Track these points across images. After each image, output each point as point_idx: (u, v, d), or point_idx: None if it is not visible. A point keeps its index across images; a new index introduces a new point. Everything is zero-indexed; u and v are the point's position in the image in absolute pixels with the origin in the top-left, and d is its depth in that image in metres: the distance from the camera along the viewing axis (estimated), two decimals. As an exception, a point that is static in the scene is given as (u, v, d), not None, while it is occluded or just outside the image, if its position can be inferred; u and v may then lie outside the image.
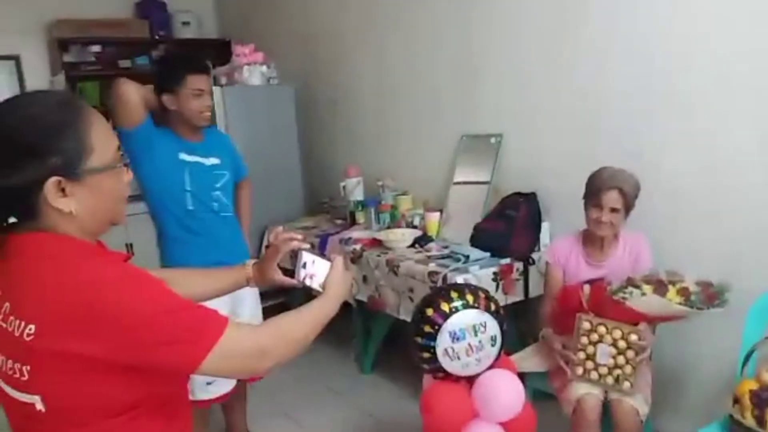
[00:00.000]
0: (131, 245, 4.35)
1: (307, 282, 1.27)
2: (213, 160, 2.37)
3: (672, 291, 2.00)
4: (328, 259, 1.27)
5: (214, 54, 4.83)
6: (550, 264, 2.38)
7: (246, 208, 2.68)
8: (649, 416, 2.09)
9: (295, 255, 1.31)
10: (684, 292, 1.99)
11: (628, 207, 2.18)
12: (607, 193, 2.15)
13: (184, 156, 2.28)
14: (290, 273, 1.33)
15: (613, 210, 2.16)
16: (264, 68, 4.01)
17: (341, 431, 2.86)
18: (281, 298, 3.71)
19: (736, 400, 1.84)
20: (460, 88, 3.32)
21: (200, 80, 2.24)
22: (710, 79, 2.27)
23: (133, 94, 2.13)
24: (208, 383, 2.30)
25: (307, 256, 1.28)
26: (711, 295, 1.97)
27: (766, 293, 2.02)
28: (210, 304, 1.22)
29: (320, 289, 1.23)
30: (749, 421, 1.76)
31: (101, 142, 0.99)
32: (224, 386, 2.38)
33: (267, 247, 1.39)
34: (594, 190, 2.20)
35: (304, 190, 4.23)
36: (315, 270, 1.27)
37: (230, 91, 3.87)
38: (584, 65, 2.70)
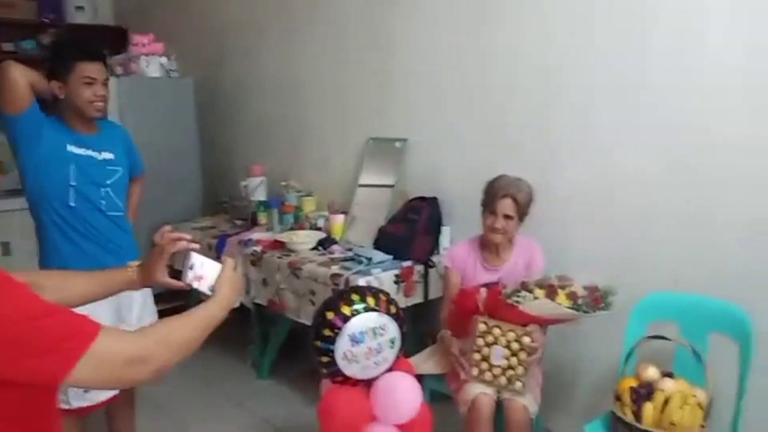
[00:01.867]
0: (7, 244, 4.02)
1: (195, 284, 1.21)
2: (106, 155, 2.22)
3: (561, 295, 2.09)
4: (219, 261, 1.22)
5: (109, 42, 4.58)
6: (448, 268, 2.43)
7: (134, 207, 2.53)
8: (538, 414, 2.18)
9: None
10: (572, 296, 2.09)
11: (522, 214, 2.27)
12: (501, 200, 2.23)
13: (72, 148, 2.13)
14: (180, 275, 1.26)
15: (507, 217, 2.24)
16: (164, 59, 3.84)
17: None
18: (179, 302, 3.54)
19: (618, 397, 1.95)
20: (369, 91, 3.33)
21: (92, 68, 2.11)
22: (611, 96, 2.39)
23: (19, 78, 2.01)
24: (85, 390, 2.14)
25: (195, 258, 1.22)
26: (597, 299, 2.08)
27: (647, 296, 2.16)
28: (93, 308, 1.13)
29: (209, 292, 1.18)
30: (628, 416, 1.87)
31: None
32: (103, 392, 2.22)
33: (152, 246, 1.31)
34: (489, 197, 2.28)
35: (203, 189, 4.08)
36: (204, 272, 1.21)
37: (126, 81, 3.67)
38: (491, 78, 2.78)
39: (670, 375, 1.97)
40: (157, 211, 3.46)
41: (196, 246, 1.28)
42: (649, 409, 1.84)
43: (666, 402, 1.85)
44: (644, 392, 1.90)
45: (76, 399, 2.12)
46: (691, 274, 2.21)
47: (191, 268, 1.22)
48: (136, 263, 1.32)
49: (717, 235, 2.17)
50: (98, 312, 1.10)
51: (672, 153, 2.25)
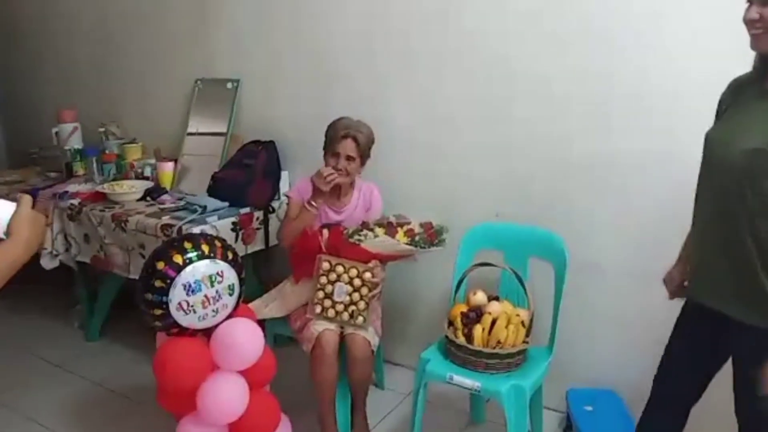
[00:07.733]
0: None
1: None
2: None
3: (400, 233, 2.17)
4: (13, 200, 1.06)
5: None
6: (291, 198, 2.37)
7: None
8: (380, 346, 2.26)
9: None
10: (410, 233, 2.17)
11: (363, 156, 2.28)
12: (342, 141, 2.23)
13: None
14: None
15: (349, 158, 2.24)
16: (-60, -15, 3.25)
17: (69, 408, 2.55)
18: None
19: (450, 323, 2.08)
20: (195, 28, 3.10)
21: None
22: (430, 41, 2.46)
23: None
24: None
25: None
26: (432, 235, 2.18)
27: (473, 228, 2.30)
28: None
29: (3, 236, 1.02)
30: (460, 339, 2.00)
31: None
32: None
33: None
34: (330, 138, 2.27)
35: (6, 138, 3.60)
36: None
37: None
38: (323, 20, 2.71)
39: (496, 298, 2.14)
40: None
41: None
42: (478, 330, 1.98)
43: (493, 323, 2.00)
44: (474, 316, 2.04)
45: None
46: (510, 206, 2.40)
47: None
48: None
49: (531, 171, 2.36)
50: None
51: (485, 95, 2.40)
